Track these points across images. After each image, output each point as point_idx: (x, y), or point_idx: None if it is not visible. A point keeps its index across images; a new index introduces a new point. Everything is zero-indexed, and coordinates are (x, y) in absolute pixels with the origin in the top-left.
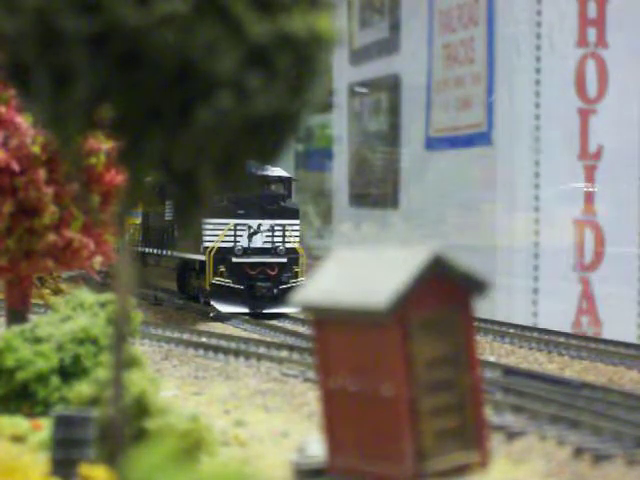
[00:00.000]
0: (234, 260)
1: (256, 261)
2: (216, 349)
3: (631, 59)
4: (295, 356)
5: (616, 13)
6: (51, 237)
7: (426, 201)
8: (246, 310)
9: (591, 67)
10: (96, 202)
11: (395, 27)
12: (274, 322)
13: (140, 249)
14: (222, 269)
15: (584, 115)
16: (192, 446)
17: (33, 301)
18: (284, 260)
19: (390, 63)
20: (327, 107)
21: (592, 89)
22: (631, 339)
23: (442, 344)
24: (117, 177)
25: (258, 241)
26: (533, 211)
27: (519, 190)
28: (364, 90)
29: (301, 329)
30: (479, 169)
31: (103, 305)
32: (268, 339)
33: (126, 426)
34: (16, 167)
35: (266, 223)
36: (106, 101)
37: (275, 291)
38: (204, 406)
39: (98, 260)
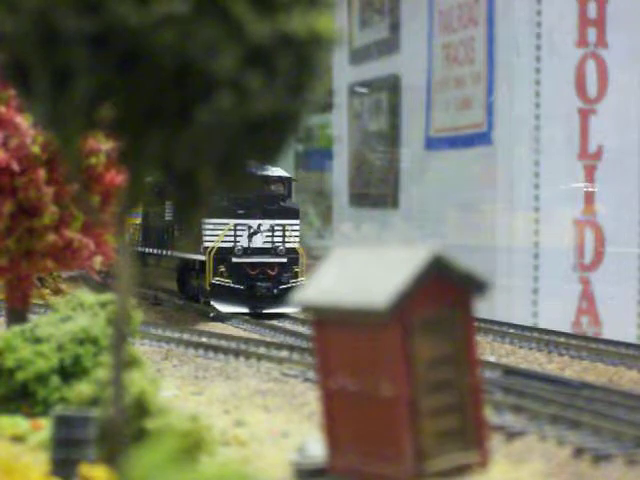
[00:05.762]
0: (234, 260)
1: (256, 261)
2: (216, 349)
3: (631, 59)
4: (295, 356)
5: (616, 13)
6: (51, 237)
7: (426, 201)
8: (246, 310)
9: (591, 67)
10: (96, 202)
11: (395, 27)
12: (274, 322)
13: (140, 249)
14: (222, 269)
15: (584, 115)
16: (192, 446)
17: (33, 301)
18: (284, 260)
19: (390, 63)
20: (327, 107)
21: (592, 89)
22: (631, 339)
23: (442, 344)
24: (117, 177)
25: (258, 241)
26: (533, 211)
27: (519, 190)
28: (364, 90)
29: (301, 329)
30: (479, 169)
31: (103, 305)
32: (268, 339)
33: (126, 426)
34: (16, 167)
35: (266, 223)
36: (106, 101)
37: (275, 291)
38: (204, 406)
39: (98, 260)
